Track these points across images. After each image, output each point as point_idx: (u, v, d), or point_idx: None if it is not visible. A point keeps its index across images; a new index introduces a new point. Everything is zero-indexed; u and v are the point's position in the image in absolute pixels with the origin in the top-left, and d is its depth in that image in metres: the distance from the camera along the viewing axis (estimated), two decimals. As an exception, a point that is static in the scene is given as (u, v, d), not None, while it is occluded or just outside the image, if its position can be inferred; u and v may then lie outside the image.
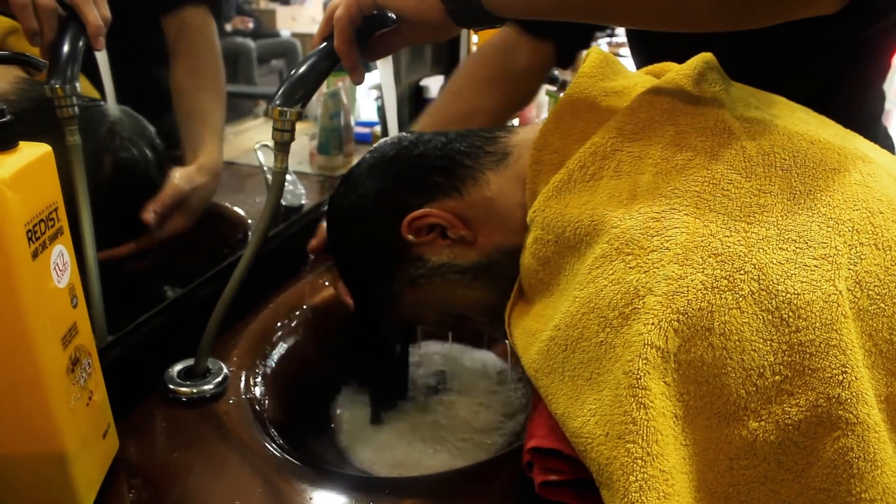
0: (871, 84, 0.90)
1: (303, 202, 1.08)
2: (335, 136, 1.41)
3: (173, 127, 1.02)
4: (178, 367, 0.75)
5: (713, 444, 0.50)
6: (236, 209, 1.14)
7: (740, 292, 0.49)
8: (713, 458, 0.51)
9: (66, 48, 0.70)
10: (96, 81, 0.84)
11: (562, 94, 0.67)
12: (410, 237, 0.69)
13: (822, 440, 0.49)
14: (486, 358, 0.95)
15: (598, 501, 0.57)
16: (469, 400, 0.86)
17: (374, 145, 0.77)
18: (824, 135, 0.59)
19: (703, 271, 0.50)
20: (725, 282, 0.50)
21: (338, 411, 0.84)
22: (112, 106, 0.85)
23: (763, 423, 0.49)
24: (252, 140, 1.45)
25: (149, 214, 0.85)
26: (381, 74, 0.74)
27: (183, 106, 1.01)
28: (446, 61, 1.58)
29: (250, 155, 1.31)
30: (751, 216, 0.53)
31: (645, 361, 0.49)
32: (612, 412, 0.50)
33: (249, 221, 1.10)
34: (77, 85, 0.70)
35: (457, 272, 0.70)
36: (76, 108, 0.71)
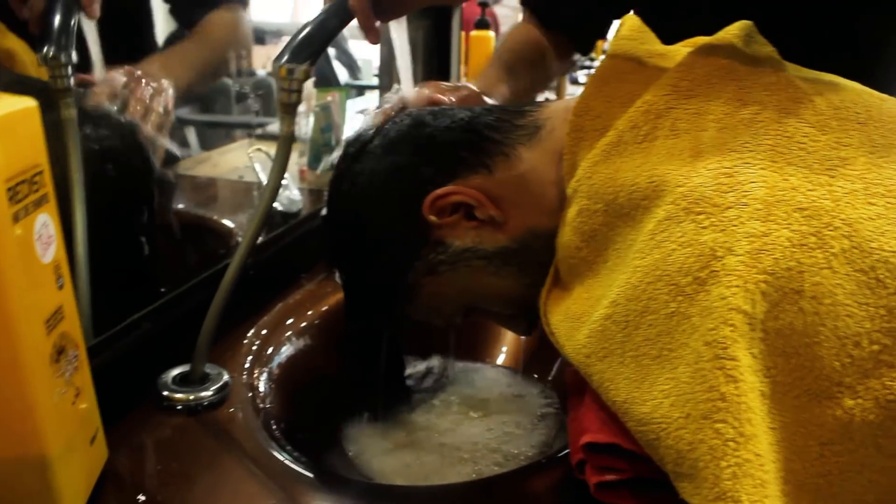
0: None
1: (300, 208, 1.01)
2: (326, 151, 1.34)
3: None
4: (173, 373, 0.67)
5: (802, 428, 0.44)
6: (224, 221, 1.07)
7: (831, 250, 0.44)
8: (802, 444, 0.44)
9: (58, 17, 0.64)
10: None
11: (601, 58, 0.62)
12: (433, 218, 0.63)
13: None
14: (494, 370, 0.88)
15: (659, 501, 0.50)
16: (487, 412, 0.79)
17: (388, 117, 0.70)
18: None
19: (788, 227, 0.44)
20: (814, 238, 0.44)
21: (348, 421, 0.76)
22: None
23: (860, 400, 0.43)
24: (232, 162, 1.41)
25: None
26: (394, 39, 0.68)
27: None
28: (437, 70, 1.54)
29: (233, 173, 1.29)
30: (833, 170, 0.47)
31: (732, 328, 0.42)
32: (692, 390, 0.43)
33: (240, 235, 1.03)
34: (72, 53, 0.64)
35: (482, 258, 0.64)
36: (71, 80, 0.64)
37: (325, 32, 0.62)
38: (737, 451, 0.41)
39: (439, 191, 0.62)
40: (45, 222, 0.46)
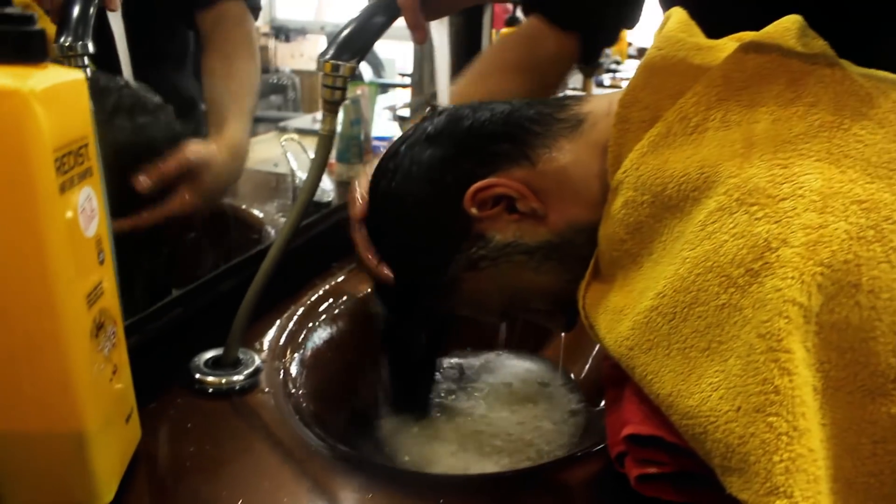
0: None
1: (331, 199, 1.01)
2: (355, 144, 1.34)
3: (195, 131, 0.96)
4: (205, 356, 0.67)
5: (854, 425, 0.43)
6: (254, 211, 1.07)
7: (890, 244, 0.42)
8: (854, 442, 0.43)
9: (77, 7, 0.64)
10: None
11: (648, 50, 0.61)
12: (474, 211, 0.62)
13: None
14: (529, 364, 0.87)
15: (702, 496, 0.49)
16: (519, 407, 0.78)
17: (424, 115, 0.70)
18: None
19: (846, 219, 0.43)
20: (872, 232, 0.43)
21: (380, 409, 0.75)
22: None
23: None
24: (260, 154, 1.42)
25: (142, 178, 0.75)
26: (435, 39, 0.67)
27: (212, 88, 0.96)
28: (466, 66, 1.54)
29: (260, 164, 1.29)
30: (891, 163, 0.46)
31: (787, 320, 0.41)
32: (744, 383, 0.42)
33: (269, 227, 1.03)
34: (89, 44, 0.64)
35: (523, 253, 0.63)
36: (88, 70, 0.64)
37: (371, 29, 0.61)
38: (790, 445, 0.40)
39: (481, 183, 0.61)
40: (89, 196, 0.46)
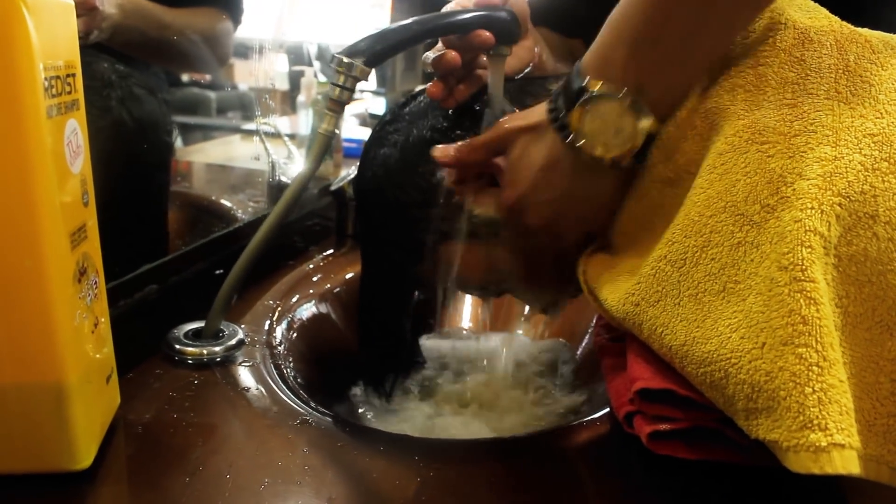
0: None
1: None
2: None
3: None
4: (186, 328, 0.63)
5: (873, 363, 0.42)
6: (223, 201, 1.04)
7: None
8: (872, 381, 0.42)
9: None
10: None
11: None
12: None
13: None
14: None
15: (716, 452, 0.48)
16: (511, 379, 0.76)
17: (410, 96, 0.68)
18: None
19: (860, 151, 0.43)
20: (886, 164, 0.42)
21: (360, 387, 0.72)
22: None
23: None
24: (223, 154, 1.41)
25: None
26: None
27: None
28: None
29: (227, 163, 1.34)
30: None
31: (809, 250, 0.40)
32: (767, 318, 0.41)
33: (240, 214, 1.00)
34: None
35: None
36: None
37: (398, 40, 0.58)
38: (821, 376, 0.39)
39: None
40: (75, 129, 0.43)
